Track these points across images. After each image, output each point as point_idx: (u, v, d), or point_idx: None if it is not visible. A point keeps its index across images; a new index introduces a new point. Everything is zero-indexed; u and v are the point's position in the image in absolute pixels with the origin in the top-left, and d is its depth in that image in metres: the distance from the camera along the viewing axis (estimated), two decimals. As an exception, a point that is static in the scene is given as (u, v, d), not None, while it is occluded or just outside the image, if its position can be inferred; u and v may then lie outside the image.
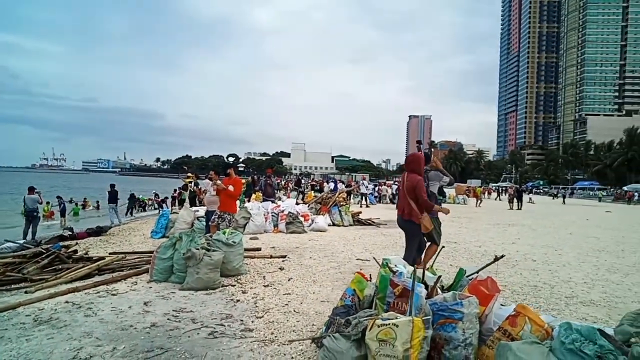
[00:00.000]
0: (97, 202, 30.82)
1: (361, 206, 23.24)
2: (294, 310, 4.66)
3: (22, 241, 9.26)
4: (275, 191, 16.52)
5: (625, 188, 57.67)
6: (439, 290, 3.28)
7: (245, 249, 7.31)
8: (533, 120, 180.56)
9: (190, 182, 19.21)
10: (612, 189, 65.08)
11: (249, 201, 14.45)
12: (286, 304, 4.89)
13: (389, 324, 2.65)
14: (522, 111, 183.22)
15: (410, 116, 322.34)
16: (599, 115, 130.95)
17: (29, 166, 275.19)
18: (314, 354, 3.40)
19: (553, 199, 53.17)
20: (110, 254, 7.47)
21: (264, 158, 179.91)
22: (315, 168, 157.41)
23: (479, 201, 30.80)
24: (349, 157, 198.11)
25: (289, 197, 19.21)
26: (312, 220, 12.04)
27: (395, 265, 3.66)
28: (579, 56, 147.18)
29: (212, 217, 7.98)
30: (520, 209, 26.84)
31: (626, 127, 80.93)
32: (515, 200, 28.11)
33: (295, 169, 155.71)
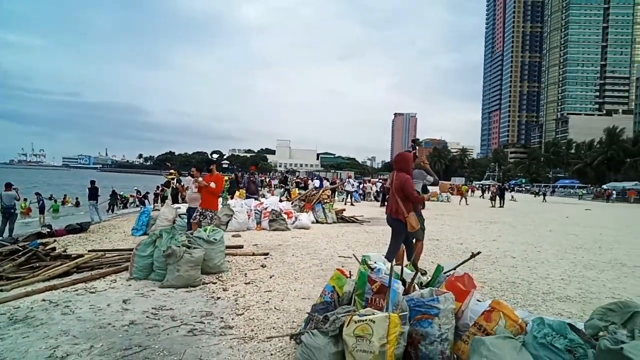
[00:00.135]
0: (77, 198, 30.35)
1: (345, 203, 23.29)
2: (275, 308, 4.67)
3: (-1, 238, 9.08)
4: (259, 188, 16.46)
5: (604, 186, 58.83)
6: (416, 286, 3.32)
7: (227, 247, 7.28)
8: (516, 119, 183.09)
9: (173, 179, 19.07)
10: (592, 187, 66.33)
11: (232, 198, 14.38)
12: (267, 301, 4.89)
13: (366, 320, 2.67)
14: (506, 110, 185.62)
15: (395, 114, 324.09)
16: (580, 114, 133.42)
17: (6, 162, 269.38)
18: (293, 351, 3.41)
19: (535, 197, 54.04)
20: (89, 251, 7.36)
21: (248, 155, 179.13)
22: (301, 165, 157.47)
23: (463, 199, 31.10)
24: (335, 155, 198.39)
25: (272, 195, 19.17)
26: (296, 218, 12.04)
27: (375, 262, 3.69)
28: (562, 56, 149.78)
29: (194, 214, 7.93)
30: (503, 207, 27.21)
31: (606, 127, 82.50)
32: (497, 198, 28.49)
33: (280, 166, 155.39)
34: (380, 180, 38.98)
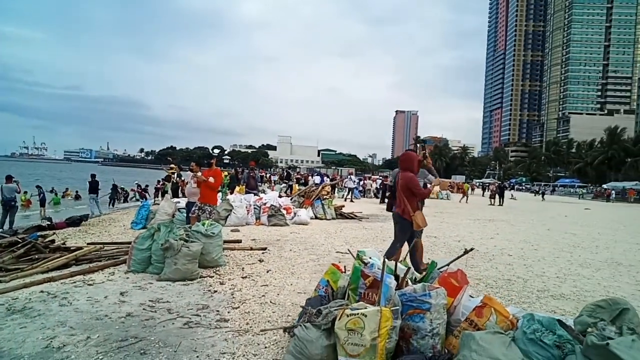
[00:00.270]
0: (77, 192, 30.40)
1: (345, 200, 23.34)
2: (271, 302, 4.71)
3: (-2, 230, 9.13)
4: (259, 184, 16.49)
5: (604, 186, 58.81)
6: (409, 281, 3.35)
7: (226, 241, 7.34)
8: (518, 118, 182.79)
9: (173, 173, 19.08)
10: (592, 187, 66.32)
11: (231, 193, 14.41)
12: (263, 295, 4.93)
13: (358, 314, 2.71)
14: (507, 108, 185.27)
15: (396, 111, 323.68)
16: (581, 114, 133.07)
17: (8, 155, 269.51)
18: (287, 344, 3.44)
19: (535, 195, 54.02)
20: (88, 244, 7.40)
21: (249, 150, 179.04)
22: (302, 161, 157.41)
23: (465, 197, 31.11)
24: (336, 151, 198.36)
25: (273, 190, 19.20)
26: (295, 213, 12.08)
27: (370, 258, 3.73)
28: (564, 55, 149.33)
29: (193, 209, 7.97)
30: (502, 205, 27.23)
31: (607, 126, 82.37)
32: (497, 196, 28.50)
33: (281, 162, 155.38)
34: (380, 178, 38.99)
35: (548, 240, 10.86)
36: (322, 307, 3.04)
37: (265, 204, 11.72)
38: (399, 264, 3.57)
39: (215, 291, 5.05)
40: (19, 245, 6.36)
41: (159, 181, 27.49)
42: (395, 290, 3.08)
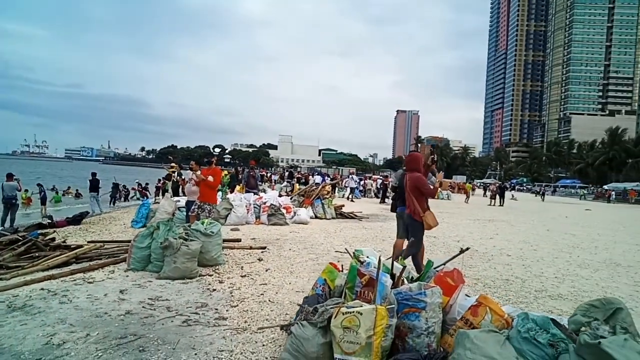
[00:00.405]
0: (77, 190, 30.48)
1: (348, 198, 23.41)
2: (269, 300, 4.74)
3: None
4: (259, 183, 16.53)
5: (605, 187, 58.74)
6: (405, 280, 3.38)
7: (225, 240, 7.38)
8: (519, 118, 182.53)
9: (174, 172, 19.12)
10: (592, 188, 66.25)
11: (232, 192, 14.45)
12: (262, 294, 4.97)
13: (353, 312, 2.74)
14: (508, 109, 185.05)
15: (397, 111, 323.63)
16: (583, 114, 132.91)
17: (9, 153, 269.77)
18: (285, 342, 3.47)
19: (536, 196, 53.95)
20: (88, 242, 7.44)
21: (250, 149, 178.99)
22: (302, 161, 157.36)
23: (467, 197, 31.09)
24: (337, 151, 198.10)
25: (273, 189, 19.23)
26: (295, 213, 12.11)
27: (367, 257, 3.76)
28: (565, 55, 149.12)
29: (192, 207, 8.00)
30: (502, 206, 27.24)
31: (608, 127, 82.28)
32: (497, 196, 28.50)
33: (282, 161, 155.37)
34: (381, 177, 38.99)
35: (547, 241, 10.88)
36: (318, 305, 3.07)
37: (265, 203, 11.75)
38: (395, 262, 3.60)
39: (214, 289, 5.08)
40: (20, 243, 6.39)
41: (159, 180, 27.54)
42: (391, 288, 3.11)
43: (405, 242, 6.11)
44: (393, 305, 2.89)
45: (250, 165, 16.34)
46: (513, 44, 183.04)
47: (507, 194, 32.90)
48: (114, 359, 3.19)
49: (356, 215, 14.57)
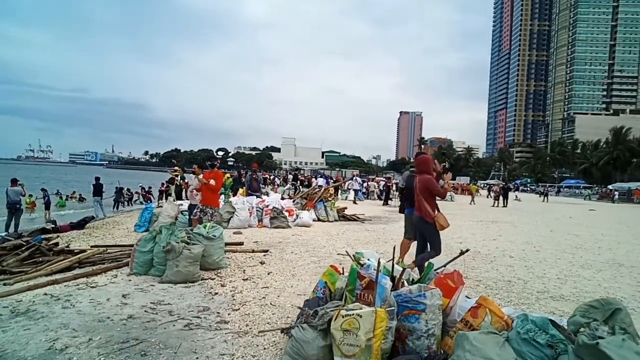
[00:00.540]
0: (80, 194, 30.67)
1: (353, 202, 23.44)
2: (271, 304, 4.76)
3: (4, 234, 9.25)
4: (262, 186, 16.56)
5: (610, 187, 58.47)
6: (405, 282, 3.39)
7: (228, 243, 7.39)
8: (522, 118, 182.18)
9: (177, 175, 19.20)
10: (597, 188, 65.93)
11: (234, 196, 14.49)
12: (263, 297, 4.98)
13: (353, 315, 2.75)
14: (512, 109, 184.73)
15: (400, 112, 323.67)
16: (587, 114, 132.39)
17: (14, 158, 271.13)
18: (286, 345, 3.49)
19: (540, 196, 53.76)
20: (91, 246, 7.49)
21: (253, 152, 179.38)
22: (306, 163, 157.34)
23: (472, 198, 30.98)
24: (340, 153, 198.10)
25: (276, 192, 19.26)
26: (297, 216, 12.13)
27: (368, 259, 3.77)
28: (569, 55, 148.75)
29: (194, 211, 8.04)
30: (506, 207, 27.15)
31: (613, 127, 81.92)
32: (500, 197, 28.40)
33: (285, 164, 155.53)
34: (384, 179, 38.95)
35: (550, 242, 10.84)
36: (318, 308, 3.09)
37: (267, 206, 11.78)
38: (396, 265, 3.61)
39: (216, 293, 5.10)
40: (24, 248, 6.44)
41: (163, 184, 27.65)
42: (391, 291, 3.12)
43: (413, 243, 6.24)
44: (393, 308, 2.90)
45: (253, 168, 16.38)
46: (517, 43, 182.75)
47: (511, 194, 32.78)
48: (116, 363, 3.22)
49: (359, 218, 14.57)
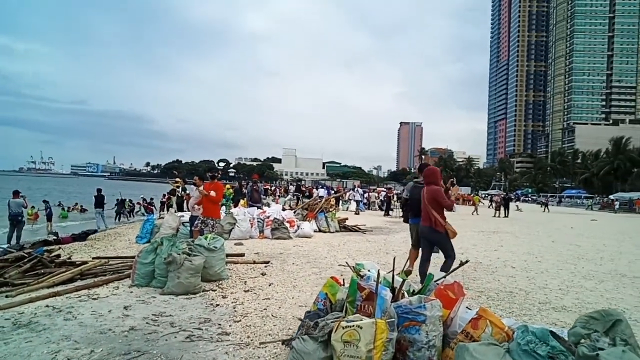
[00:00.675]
0: (81, 206, 30.74)
1: (356, 213, 23.47)
2: (272, 315, 4.76)
3: (5, 246, 9.26)
4: (263, 197, 16.59)
5: (611, 197, 58.36)
6: (405, 294, 3.40)
7: (229, 255, 7.40)
8: (522, 129, 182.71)
9: (178, 187, 19.25)
10: (598, 197, 65.82)
11: (235, 207, 14.51)
12: (265, 309, 4.98)
13: (353, 326, 2.77)
14: (512, 119, 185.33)
15: (401, 123, 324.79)
16: (586, 124, 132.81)
17: (16, 169, 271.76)
18: (287, 356, 3.49)
19: (541, 206, 53.64)
20: (93, 258, 7.50)
21: (254, 163, 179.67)
22: (306, 174, 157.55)
23: (476, 209, 30.87)
24: (340, 164, 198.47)
25: (277, 203, 19.30)
26: (298, 227, 12.14)
27: (369, 270, 3.79)
28: (567, 65, 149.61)
29: (195, 222, 8.06)
30: (507, 217, 27.13)
31: (613, 136, 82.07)
32: (502, 208, 28.37)
33: (286, 175, 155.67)
34: (385, 190, 38.98)
35: (552, 252, 10.83)
36: (319, 319, 3.10)
37: (268, 217, 11.80)
38: (396, 276, 3.62)
39: (218, 305, 5.10)
40: (25, 260, 6.45)
41: (164, 195, 27.70)
42: (392, 302, 3.14)
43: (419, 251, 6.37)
44: (393, 319, 2.91)
45: (254, 179, 16.42)
46: (515, 54, 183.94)
47: (512, 205, 32.74)
48: (118, 376, 3.22)
49: (360, 229, 14.57)
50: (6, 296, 5.25)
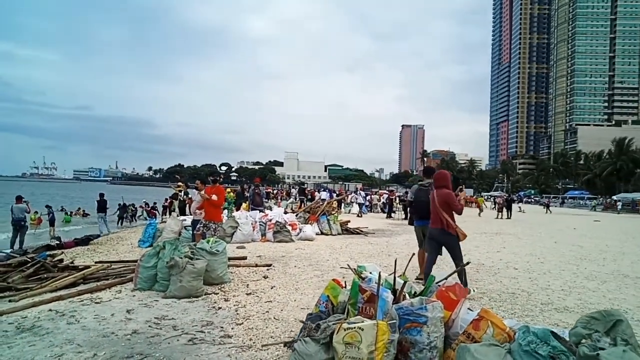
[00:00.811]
0: (84, 210, 30.84)
1: (359, 216, 23.48)
2: (274, 318, 4.77)
3: (9, 250, 9.29)
4: (265, 200, 16.63)
5: (614, 197, 58.20)
6: (407, 295, 3.41)
7: (231, 258, 7.42)
8: (524, 130, 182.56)
9: (181, 191, 19.29)
10: (601, 198, 65.65)
11: (237, 210, 14.54)
12: (267, 311, 4.99)
13: (355, 328, 2.78)
14: (514, 121, 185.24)
15: (402, 126, 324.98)
16: (589, 125, 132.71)
17: (19, 175, 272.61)
18: (288, 359, 3.50)
19: (544, 207, 53.47)
20: (96, 262, 7.53)
21: (256, 167, 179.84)
22: (309, 177, 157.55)
23: (480, 211, 30.83)
24: (342, 167, 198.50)
25: (279, 206, 19.31)
26: (300, 229, 12.15)
27: (371, 273, 3.79)
28: (569, 67, 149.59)
29: (197, 226, 8.08)
30: (510, 218, 27.08)
31: (615, 137, 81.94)
32: (504, 209, 28.32)
33: (288, 178, 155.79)
34: (387, 192, 38.97)
35: (555, 253, 10.80)
36: (321, 321, 3.11)
37: (270, 220, 11.81)
38: (398, 278, 3.63)
39: (220, 308, 5.12)
40: (29, 265, 6.48)
41: (166, 199, 27.74)
42: (393, 304, 3.14)
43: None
44: (394, 321, 2.92)
45: (256, 182, 16.45)
46: (516, 56, 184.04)
47: (515, 206, 32.68)
48: (121, 378, 3.23)
49: (362, 231, 14.57)
50: (9, 300, 5.27)
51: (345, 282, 4.02)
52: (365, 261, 8.30)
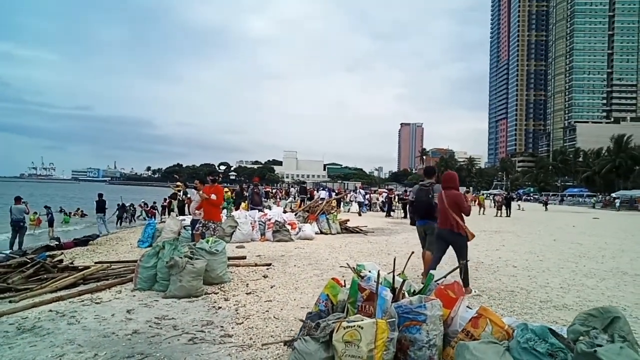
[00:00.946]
0: (82, 211, 30.85)
1: (359, 214, 23.51)
2: (274, 317, 4.78)
3: (8, 251, 9.29)
4: (264, 200, 16.63)
5: (613, 195, 58.29)
6: (406, 294, 3.43)
7: (230, 258, 7.43)
8: (523, 128, 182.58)
9: (179, 191, 19.29)
10: (600, 195, 65.74)
11: (236, 210, 14.55)
12: (267, 311, 5.01)
13: (354, 326, 2.79)
14: (513, 118, 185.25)
15: (401, 124, 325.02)
16: (587, 122, 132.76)
17: (17, 175, 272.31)
18: (288, 357, 3.52)
19: (543, 205, 53.54)
20: (95, 263, 7.54)
21: (255, 166, 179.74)
22: (308, 176, 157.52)
23: (482, 209, 30.80)
24: (341, 165, 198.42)
25: (278, 206, 19.32)
26: (299, 229, 12.15)
27: (370, 271, 3.81)
28: (567, 64, 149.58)
29: (197, 226, 8.09)
30: (509, 216, 27.11)
31: (614, 134, 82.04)
32: (503, 207, 28.35)
33: (287, 177, 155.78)
34: (386, 191, 39.00)
35: (554, 251, 10.83)
36: (320, 320, 3.13)
37: (270, 219, 11.82)
38: (398, 277, 3.65)
39: (220, 307, 5.13)
40: (28, 266, 6.49)
41: (165, 199, 27.75)
42: (392, 302, 3.16)
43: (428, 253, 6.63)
44: (394, 319, 2.94)
45: (254, 182, 16.46)
46: (515, 54, 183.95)
47: (514, 204, 32.69)
48: (121, 378, 3.25)
49: (361, 230, 14.58)
50: (10, 301, 5.28)
51: (344, 281, 4.04)
52: (364, 260, 8.32)
